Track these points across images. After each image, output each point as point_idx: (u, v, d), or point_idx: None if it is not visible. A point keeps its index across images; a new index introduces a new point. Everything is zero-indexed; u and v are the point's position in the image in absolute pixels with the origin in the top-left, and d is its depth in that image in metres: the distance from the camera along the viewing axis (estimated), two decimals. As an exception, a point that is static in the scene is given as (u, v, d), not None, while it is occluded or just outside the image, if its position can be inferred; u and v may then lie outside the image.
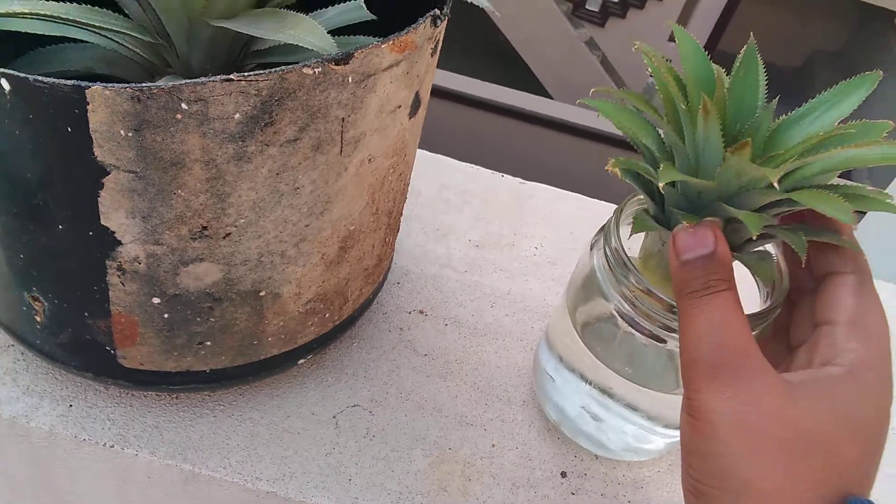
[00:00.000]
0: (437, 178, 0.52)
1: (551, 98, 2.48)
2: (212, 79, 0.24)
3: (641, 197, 0.34)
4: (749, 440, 0.26)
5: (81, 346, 0.33)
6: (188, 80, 0.24)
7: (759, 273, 0.32)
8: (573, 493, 0.38)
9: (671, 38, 2.57)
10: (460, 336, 0.43)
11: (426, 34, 0.29)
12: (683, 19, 2.46)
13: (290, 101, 0.26)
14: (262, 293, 0.32)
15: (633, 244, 0.34)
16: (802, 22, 2.99)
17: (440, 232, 0.48)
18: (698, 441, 0.27)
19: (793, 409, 0.26)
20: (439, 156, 0.53)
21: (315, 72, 0.25)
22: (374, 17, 0.34)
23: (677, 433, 0.39)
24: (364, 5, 0.34)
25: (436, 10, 0.29)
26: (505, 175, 0.53)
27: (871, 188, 0.30)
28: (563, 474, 0.39)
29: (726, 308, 0.27)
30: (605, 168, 0.33)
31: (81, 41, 0.33)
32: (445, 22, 0.31)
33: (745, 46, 0.31)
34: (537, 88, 2.57)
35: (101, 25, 0.31)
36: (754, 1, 2.77)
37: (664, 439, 0.39)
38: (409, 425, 0.39)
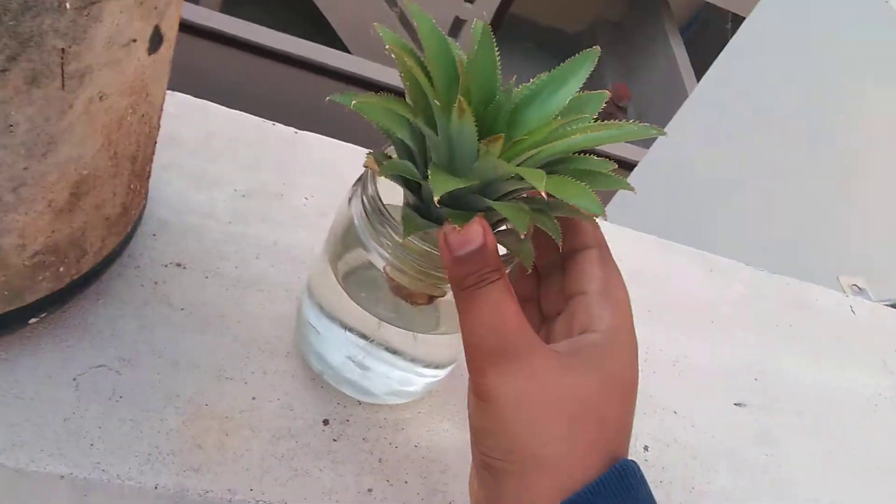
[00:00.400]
0: (204, 124, 0.49)
1: (349, 53, 2.44)
2: None
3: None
4: (532, 413, 0.28)
5: None
6: None
7: (520, 254, 0.33)
8: (335, 440, 0.39)
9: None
10: (222, 288, 0.42)
11: (158, -39, 0.26)
12: (476, -21, 2.51)
13: (-12, 25, 0.22)
14: (-26, 244, 0.28)
15: (393, 193, 0.35)
16: (588, -12, 3.18)
17: (204, 181, 0.46)
18: (486, 420, 0.29)
19: (568, 379, 0.29)
20: (207, 102, 0.50)
21: (18, -7, 0.22)
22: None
23: (438, 372, 0.40)
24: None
25: (168, -65, 0.26)
26: (276, 123, 0.52)
27: (610, 167, 0.33)
28: (326, 422, 0.39)
29: (500, 296, 0.29)
30: (363, 164, 0.33)
31: None
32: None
33: (476, 30, 0.32)
34: (337, 43, 2.52)
35: None
36: (541, -34, 2.89)
37: (425, 379, 0.40)
38: (162, 383, 0.37)
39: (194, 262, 0.42)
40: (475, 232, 0.29)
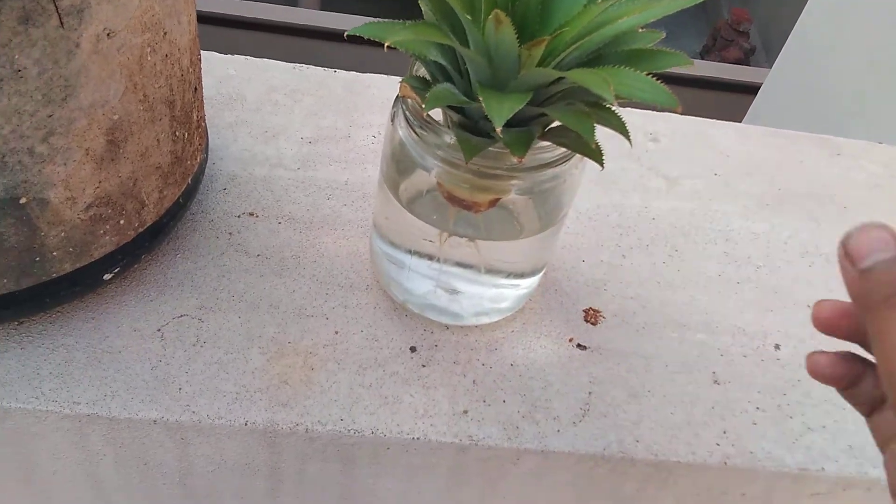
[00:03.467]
0: (264, 81, 0.49)
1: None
2: None
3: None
4: None
5: None
6: None
7: (588, 155, 0.30)
8: (424, 366, 0.37)
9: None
10: (295, 232, 0.41)
11: None
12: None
13: (-37, -43, 0.23)
14: (21, 200, 0.29)
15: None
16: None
17: (269, 134, 0.46)
18: None
19: None
20: (265, 59, 0.50)
21: (-18, -82, 0.22)
22: None
23: (527, 282, 0.38)
24: None
25: None
26: (338, 70, 0.51)
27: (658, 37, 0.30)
28: (413, 349, 0.38)
29: None
30: (399, 94, 0.31)
31: None
32: None
33: None
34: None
35: None
36: None
37: (516, 291, 0.38)
38: (244, 326, 0.37)
39: (266, 211, 0.42)
40: (882, 239, 0.24)
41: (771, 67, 1.38)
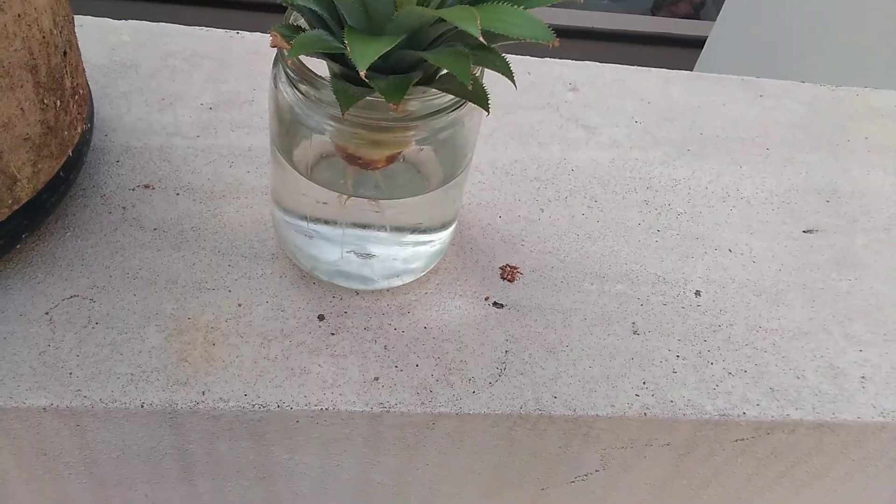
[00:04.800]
0: (161, 47, 0.46)
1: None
2: None
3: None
4: None
5: None
6: None
7: (474, 99, 0.29)
8: (333, 334, 0.36)
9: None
10: (195, 203, 0.39)
11: None
12: None
13: None
14: None
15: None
16: None
17: (166, 102, 0.43)
18: None
19: None
20: (161, 24, 0.48)
21: None
22: None
23: (441, 235, 0.36)
24: None
25: None
26: (242, 33, 0.48)
27: None
28: (321, 317, 0.36)
29: None
30: (270, 45, 0.29)
31: None
32: None
33: None
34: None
35: None
36: None
37: (429, 248, 0.37)
38: (139, 304, 0.35)
39: (163, 182, 0.40)
40: None
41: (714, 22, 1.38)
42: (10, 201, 0.32)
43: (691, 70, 1.43)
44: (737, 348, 0.37)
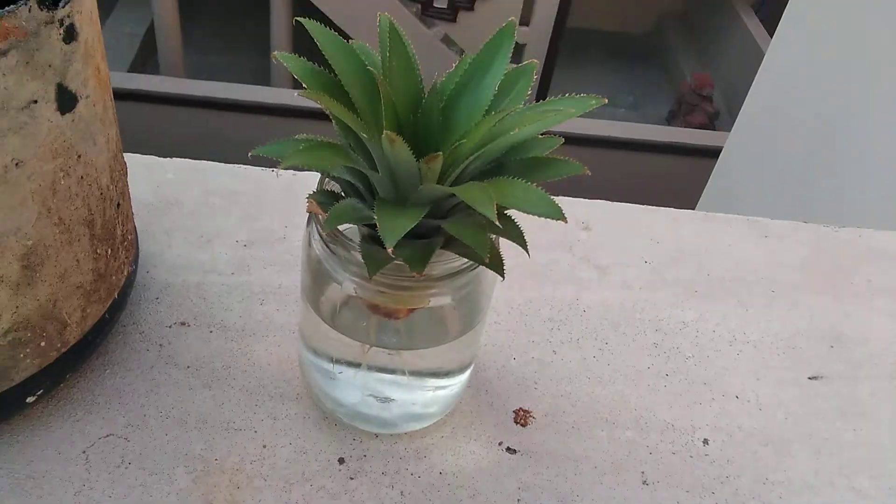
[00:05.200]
0: (202, 184, 0.50)
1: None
2: None
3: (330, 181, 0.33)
4: None
5: None
6: None
7: (490, 266, 0.31)
8: (352, 478, 0.37)
9: (522, 23, 2.64)
10: (227, 341, 0.41)
11: (38, 19, 0.27)
12: (528, 3, 2.51)
13: None
14: (-66, 332, 0.29)
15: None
16: (644, -13, 3.10)
17: (204, 238, 0.46)
18: None
19: None
20: (205, 162, 0.51)
21: None
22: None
23: (458, 379, 0.38)
24: None
25: (43, -6, 0.27)
26: (277, 170, 0.52)
27: (556, 143, 0.31)
28: (341, 460, 0.38)
29: None
30: (306, 210, 0.32)
31: None
32: (76, 2, 0.29)
33: (382, 31, 0.30)
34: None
35: None
36: (592, -26, 2.85)
37: (446, 392, 0.38)
38: (171, 444, 0.37)
39: (198, 319, 0.42)
40: None
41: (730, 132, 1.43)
42: (59, 345, 0.35)
43: (706, 179, 1.47)
44: (744, 501, 0.38)
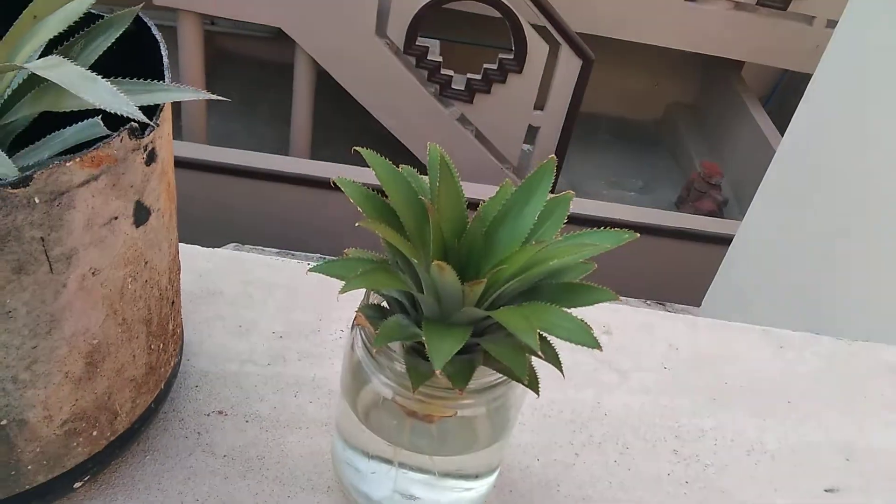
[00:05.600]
0: (241, 275, 0.52)
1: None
2: None
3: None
4: None
5: None
6: None
7: (525, 383, 0.33)
8: (379, 575, 0.38)
9: (537, 107, 2.72)
10: (262, 431, 0.43)
11: (127, 146, 0.30)
12: (543, 88, 2.60)
13: (-29, 229, 0.26)
14: (3, 422, 0.31)
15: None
16: (655, 78, 3.21)
17: (242, 328, 0.48)
18: None
19: None
20: (243, 253, 0.54)
21: (-8, 198, 0.26)
22: (110, 132, 0.35)
23: (485, 481, 0.39)
24: (101, 122, 0.35)
25: (133, 123, 0.30)
26: (311, 262, 0.54)
27: (590, 269, 0.33)
28: (369, 556, 0.39)
29: None
30: (355, 321, 0.34)
31: None
32: (159, 129, 0.32)
33: (433, 160, 0.33)
34: (421, 169, 2.65)
35: None
36: (606, 65, 2.96)
37: (472, 493, 0.39)
38: (205, 532, 0.38)
39: (235, 408, 0.44)
40: None
41: (742, 220, 1.45)
42: (109, 434, 0.36)
43: (716, 268, 1.48)
44: None
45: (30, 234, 0.27)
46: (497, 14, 2.52)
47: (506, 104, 2.65)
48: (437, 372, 0.29)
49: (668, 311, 0.57)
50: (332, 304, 0.51)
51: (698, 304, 1.49)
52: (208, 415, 0.43)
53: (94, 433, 0.35)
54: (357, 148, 0.34)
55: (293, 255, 0.54)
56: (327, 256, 0.54)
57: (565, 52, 2.58)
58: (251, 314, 0.50)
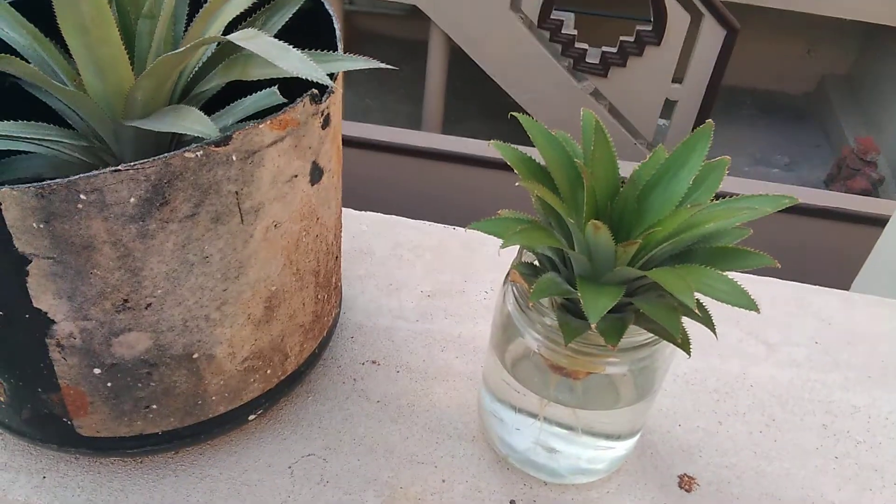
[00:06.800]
0: (392, 237, 0.55)
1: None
2: (102, 171, 0.28)
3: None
4: None
5: (42, 420, 0.36)
6: (83, 175, 0.28)
7: (676, 342, 0.34)
8: (521, 521, 0.40)
9: (675, 80, 2.62)
10: (411, 381, 0.46)
11: (308, 111, 0.33)
12: (683, 60, 2.50)
13: (179, 182, 0.29)
14: (195, 355, 0.35)
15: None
16: (808, 47, 3.01)
17: (393, 287, 0.51)
18: None
19: None
20: (393, 216, 0.57)
21: (197, 155, 0.29)
22: (285, 100, 0.38)
23: (624, 444, 0.40)
24: (277, 91, 0.38)
25: (313, 89, 0.32)
26: (457, 227, 0.56)
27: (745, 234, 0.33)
28: (513, 502, 0.41)
29: None
30: (510, 279, 0.36)
31: (29, 152, 0.37)
32: (333, 96, 0.35)
33: (587, 125, 0.34)
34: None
35: (42, 138, 0.35)
36: (752, 35, 2.80)
37: (612, 453, 0.41)
38: (362, 469, 0.41)
39: (387, 359, 0.47)
40: None
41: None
42: (280, 373, 0.40)
43: (868, 250, 1.40)
44: None
45: (227, 188, 0.31)
46: (635, -17, 2.44)
47: (642, 77, 2.57)
48: (592, 326, 0.30)
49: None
50: (476, 266, 0.54)
51: (847, 289, 1.41)
52: (363, 363, 0.47)
53: (268, 371, 0.39)
54: (514, 113, 0.35)
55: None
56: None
57: (708, 21, 2.46)
58: (401, 274, 0.52)
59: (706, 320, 0.33)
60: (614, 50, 2.61)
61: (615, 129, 2.60)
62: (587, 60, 2.67)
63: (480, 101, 3.14)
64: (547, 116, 2.68)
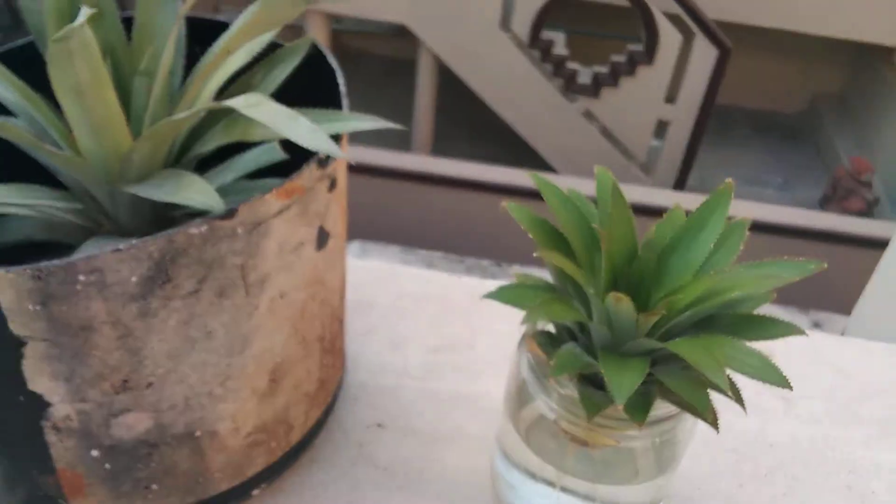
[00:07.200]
0: (393, 288, 0.53)
1: (556, 173, 2.52)
2: (102, 251, 0.26)
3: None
4: None
5: (37, 503, 0.34)
6: (81, 256, 0.26)
7: (704, 418, 0.32)
8: None
9: (668, 100, 2.63)
10: (420, 445, 0.44)
11: (314, 176, 0.31)
12: (676, 80, 2.51)
13: (182, 258, 0.28)
14: (197, 433, 0.33)
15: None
16: (800, 67, 3.02)
17: (396, 342, 0.50)
18: None
19: None
20: (395, 265, 0.55)
21: (201, 230, 0.27)
22: (287, 156, 0.36)
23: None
24: (278, 146, 0.37)
25: (319, 153, 0.31)
26: (461, 276, 0.55)
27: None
28: (528, 577, 0.39)
29: None
30: (527, 348, 0.34)
31: (19, 215, 0.35)
32: (339, 161, 0.33)
33: (602, 185, 0.33)
34: (542, 165, 2.63)
35: (33, 203, 0.34)
36: (745, 53, 2.82)
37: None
38: (370, 542, 0.39)
39: (393, 421, 0.45)
40: None
41: None
42: (284, 445, 0.38)
43: (867, 273, 1.39)
44: None
45: (232, 262, 0.29)
46: (626, 3, 2.45)
47: (634, 98, 2.58)
48: (620, 407, 0.28)
49: (810, 318, 0.54)
50: (483, 317, 0.52)
51: (846, 312, 1.40)
52: (368, 427, 0.45)
53: (273, 444, 0.37)
54: (532, 173, 0.33)
55: (438, 257, 0.55)
56: (479, 278, 0.55)
57: (700, 41, 2.47)
58: (404, 326, 0.51)
59: (734, 394, 0.31)
60: (606, 70, 2.62)
61: (608, 150, 2.60)
62: (579, 81, 2.67)
63: (470, 121, 3.14)
64: (538, 138, 2.68)
